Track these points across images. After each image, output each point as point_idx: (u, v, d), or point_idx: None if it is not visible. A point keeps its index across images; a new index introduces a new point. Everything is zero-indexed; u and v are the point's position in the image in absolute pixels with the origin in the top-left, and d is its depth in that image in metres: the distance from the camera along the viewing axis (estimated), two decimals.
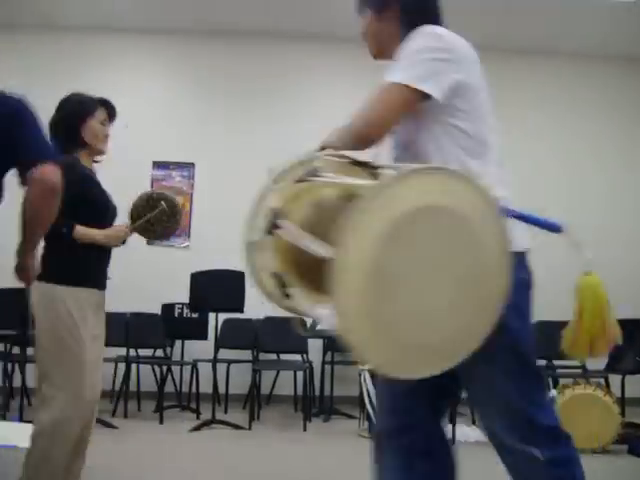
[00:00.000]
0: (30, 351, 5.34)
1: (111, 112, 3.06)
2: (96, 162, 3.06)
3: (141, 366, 6.34)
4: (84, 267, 2.87)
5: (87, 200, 2.88)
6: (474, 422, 5.45)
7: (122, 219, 3.14)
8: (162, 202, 3.12)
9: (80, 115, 2.93)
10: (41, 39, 7.29)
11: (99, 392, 2.87)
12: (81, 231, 2.83)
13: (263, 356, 6.62)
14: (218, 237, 6.96)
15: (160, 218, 3.12)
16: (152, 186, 7.05)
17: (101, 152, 3.02)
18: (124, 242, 3.09)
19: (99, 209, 2.97)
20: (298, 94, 7.53)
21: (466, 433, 5.05)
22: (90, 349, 2.77)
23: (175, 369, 6.67)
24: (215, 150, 7.36)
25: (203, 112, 7.45)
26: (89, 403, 2.76)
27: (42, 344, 2.73)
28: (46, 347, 2.71)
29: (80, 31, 7.29)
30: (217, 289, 4.94)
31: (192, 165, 7.36)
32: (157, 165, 7.35)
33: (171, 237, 3.56)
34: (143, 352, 6.37)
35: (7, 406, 5.43)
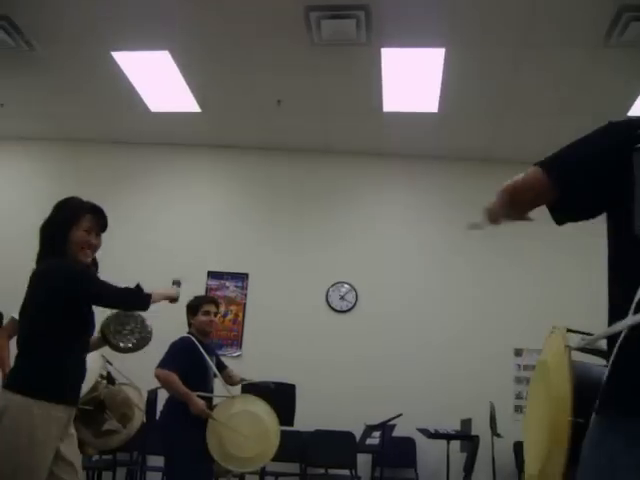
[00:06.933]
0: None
1: (102, 221, 2.96)
2: None
3: None
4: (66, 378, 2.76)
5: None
6: None
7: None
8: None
9: (70, 221, 2.87)
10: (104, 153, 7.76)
11: None
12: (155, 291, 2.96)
13: (311, 470, 6.51)
14: (270, 347, 7.02)
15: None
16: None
17: (82, 262, 2.89)
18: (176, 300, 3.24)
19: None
20: (349, 210, 7.72)
21: None
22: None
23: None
24: (269, 262, 7.53)
25: (258, 224, 7.67)
26: None
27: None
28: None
29: (142, 146, 7.73)
30: (267, 401, 4.89)
31: (246, 275, 7.53)
32: (212, 275, 7.54)
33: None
34: None
35: None
